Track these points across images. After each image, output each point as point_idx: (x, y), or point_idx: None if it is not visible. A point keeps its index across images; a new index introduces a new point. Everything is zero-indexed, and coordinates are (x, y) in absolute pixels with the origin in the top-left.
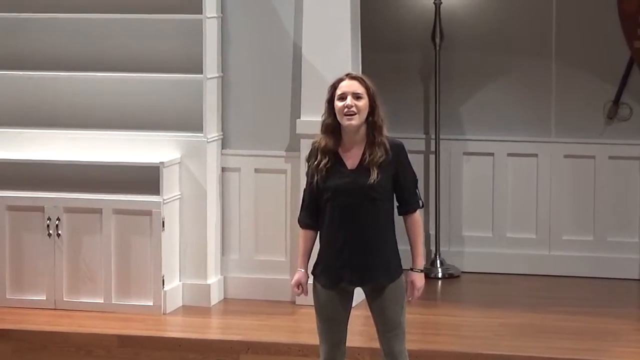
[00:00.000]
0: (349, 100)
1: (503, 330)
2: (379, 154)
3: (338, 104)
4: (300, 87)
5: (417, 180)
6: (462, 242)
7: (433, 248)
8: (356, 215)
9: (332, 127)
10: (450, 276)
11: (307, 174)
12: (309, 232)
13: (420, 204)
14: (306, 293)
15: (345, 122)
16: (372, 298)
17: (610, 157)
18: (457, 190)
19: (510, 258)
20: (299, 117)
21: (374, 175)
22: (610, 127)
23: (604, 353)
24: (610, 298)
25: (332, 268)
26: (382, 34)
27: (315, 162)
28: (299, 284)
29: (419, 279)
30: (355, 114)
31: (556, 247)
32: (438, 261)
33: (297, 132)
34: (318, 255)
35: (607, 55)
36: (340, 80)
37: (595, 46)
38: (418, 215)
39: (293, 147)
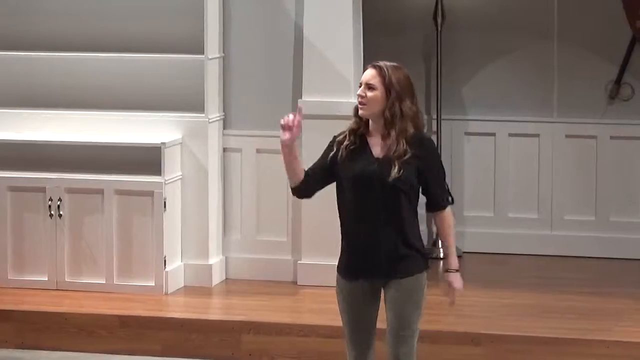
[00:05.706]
0: (360, 90)
1: (505, 310)
2: (400, 148)
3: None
4: (302, 68)
5: (444, 175)
6: (463, 222)
7: (434, 228)
8: (378, 206)
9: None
10: None
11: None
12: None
13: (450, 200)
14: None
15: (359, 110)
16: (389, 293)
17: (612, 137)
18: (459, 170)
19: (512, 238)
20: (301, 98)
21: (395, 169)
22: (612, 107)
23: (607, 333)
24: (612, 278)
25: (354, 262)
26: (384, 14)
27: (340, 138)
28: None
29: (457, 280)
30: (365, 104)
31: (558, 227)
32: (440, 241)
33: None
34: (341, 249)
35: (609, 34)
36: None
37: (597, 25)
38: (448, 212)
39: None
